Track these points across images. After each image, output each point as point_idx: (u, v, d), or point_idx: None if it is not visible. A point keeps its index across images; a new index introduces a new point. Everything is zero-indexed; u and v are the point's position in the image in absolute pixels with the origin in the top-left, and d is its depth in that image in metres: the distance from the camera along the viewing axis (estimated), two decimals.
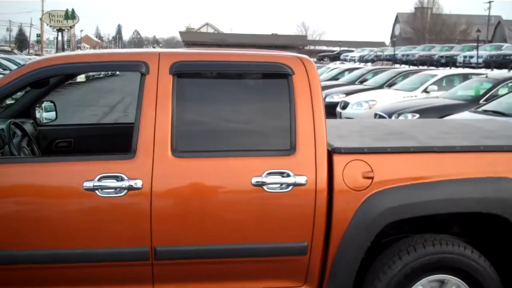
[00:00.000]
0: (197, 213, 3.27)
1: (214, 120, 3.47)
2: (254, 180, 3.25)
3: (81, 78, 30.70)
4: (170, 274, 3.34)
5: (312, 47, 70.45)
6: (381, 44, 73.22)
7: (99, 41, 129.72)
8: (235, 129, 3.47)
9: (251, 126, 3.48)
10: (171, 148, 3.26)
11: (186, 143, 3.32)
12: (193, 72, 3.48)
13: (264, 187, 3.26)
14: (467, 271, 3.42)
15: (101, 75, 43.19)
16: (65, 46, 56.66)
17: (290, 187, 3.27)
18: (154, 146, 3.25)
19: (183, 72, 3.39)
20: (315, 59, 42.26)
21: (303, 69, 3.42)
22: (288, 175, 3.27)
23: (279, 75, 3.42)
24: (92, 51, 4.18)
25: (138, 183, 3.21)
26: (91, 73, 35.59)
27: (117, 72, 49.38)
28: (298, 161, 3.30)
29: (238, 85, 3.65)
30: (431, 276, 3.44)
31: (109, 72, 45.53)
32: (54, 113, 4.88)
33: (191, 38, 68.09)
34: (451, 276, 3.44)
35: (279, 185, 3.27)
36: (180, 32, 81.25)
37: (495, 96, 11.26)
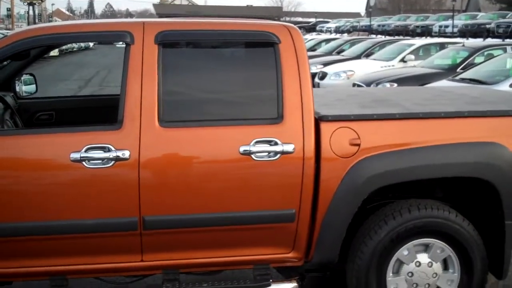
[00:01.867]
0: (185, 182, 3.27)
1: (201, 90, 3.46)
2: (242, 148, 3.26)
3: (54, 52, 30.19)
4: (159, 243, 3.35)
5: (287, 18, 70.02)
6: (357, 15, 73.13)
7: (71, 14, 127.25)
8: (222, 99, 3.46)
9: (238, 95, 3.47)
10: (158, 118, 3.24)
11: (173, 113, 3.31)
12: (179, 42, 3.45)
13: (252, 156, 3.27)
14: (451, 234, 3.49)
15: (75, 49, 42.52)
16: (36, 20, 55.51)
17: (278, 155, 3.28)
18: (141, 116, 3.23)
19: (169, 42, 3.35)
20: None
21: (290, 37, 3.40)
22: (276, 144, 3.28)
23: (265, 44, 3.40)
24: (76, 21, 4.11)
25: (126, 153, 3.19)
26: (64, 47, 35.02)
27: (91, 45, 48.75)
28: (285, 130, 3.31)
29: (224, 54, 3.64)
30: (416, 240, 3.50)
31: (83, 45, 44.89)
32: (34, 86, 4.81)
33: (165, 11, 67.09)
34: (435, 240, 3.51)
35: (267, 153, 3.28)
36: (154, 5, 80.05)
37: (472, 65, 11.39)
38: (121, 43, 3.43)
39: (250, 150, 3.26)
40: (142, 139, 3.21)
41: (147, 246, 3.34)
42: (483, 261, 3.55)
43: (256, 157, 3.27)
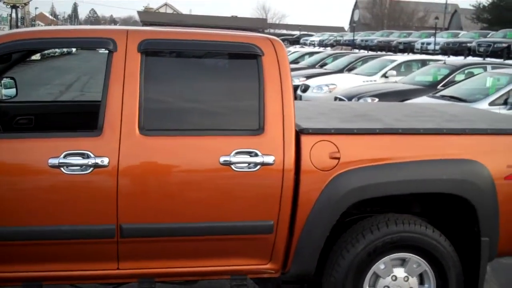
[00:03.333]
0: (164, 191, 3.26)
1: (182, 99, 3.46)
2: (222, 159, 3.26)
3: (35, 56, 29.99)
4: (136, 251, 3.33)
5: (272, 31, 70.35)
6: (340, 29, 73.77)
7: (54, 19, 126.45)
8: (204, 109, 3.46)
9: (220, 105, 3.48)
10: (138, 126, 3.23)
11: (154, 122, 3.30)
12: (162, 51, 3.45)
13: (232, 166, 3.27)
14: (428, 249, 3.51)
15: (57, 53, 42.27)
16: (19, 24, 55.07)
17: (258, 166, 3.29)
18: (121, 123, 3.21)
19: (152, 50, 3.35)
20: None
21: (273, 50, 3.42)
22: (256, 155, 3.29)
23: (249, 56, 3.42)
24: (59, 27, 4.10)
25: (105, 160, 3.18)
26: (46, 52, 34.79)
27: (73, 51, 48.44)
28: (266, 141, 3.32)
29: (207, 65, 3.65)
30: (393, 255, 3.52)
31: (65, 51, 44.63)
32: (14, 89, 4.77)
33: (149, 19, 67.06)
34: (412, 255, 3.54)
35: (247, 164, 3.28)
36: (138, 12, 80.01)
37: (452, 82, 11.53)
38: (104, 49, 3.42)
39: (230, 161, 3.26)
40: (122, 147, 3.20)
41: (124, 254, 3.31)
42: (458, 276, 3.58)
43: (236, 167, 3.27)
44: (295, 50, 26.77)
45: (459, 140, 3.56)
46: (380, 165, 3.41)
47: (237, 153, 3.28)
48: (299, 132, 3.38)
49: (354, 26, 47.11)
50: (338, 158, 3.37)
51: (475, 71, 12.28)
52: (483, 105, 9.03)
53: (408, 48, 30.14)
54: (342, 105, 5.45)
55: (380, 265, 3.52)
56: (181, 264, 3.40)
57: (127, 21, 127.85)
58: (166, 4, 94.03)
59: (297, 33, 59.66)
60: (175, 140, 3.30)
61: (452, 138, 3.56)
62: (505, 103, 9.19)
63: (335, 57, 20.55)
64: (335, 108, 4.66)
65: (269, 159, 3.29)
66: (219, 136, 3.33)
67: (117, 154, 3.19)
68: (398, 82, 13.22)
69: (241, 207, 3.33)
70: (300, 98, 14.02)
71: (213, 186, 3.30)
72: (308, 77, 15.79)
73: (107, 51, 3.33)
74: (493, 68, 12.37)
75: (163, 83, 3.43)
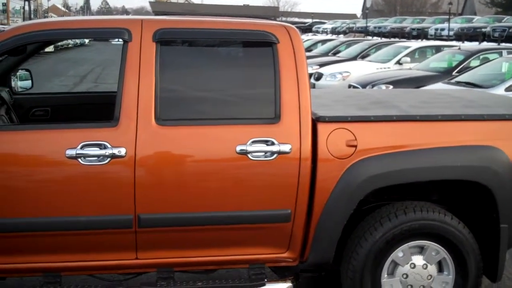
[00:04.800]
0: (181, 181, 3.26)
1: (198, 88, 3.45)
2: (238, 148, 3.25)
3: (49, 48, 30.10)
4: (154, 241, 3.34)
5: (284, 19, 70.09)
6: (353, 16, 73.28)
7: (66, 11, 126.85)
8: (219, 98, 3.45)
9: (236, 94, 3.46)
10: (155, 116, 3.23)
11: (170, 111, 3.29)
12: (177, 40, 3.44)
13: (249, 155, 3.26)
14: (446, 237, 3.49)
15: (70, 45, 42.42)
16: (32, 16, 55.32)
17: (275, 155, 3.28)
18: (138, 114, 3.21)
19: (167, 40, 3.34)
20: None
21: (288, 37, 3.40)
22: (273, 143, 3.28)
23: (264, 43, 3.39)
24: (73, 17, 4.10)
25: (122, 151, 3.18)
26: (59, 43, 34.91)
27: (87, 42, 48.61)
28: (282, 130, 3.30)
29: (222, 53, 3.63)
30: (411, 242, 3.50)
31: (78, 42, 44.76)
32: (29, 81, 4.80)
33: (161, 8, 67.08)
34: (431, 242, 3.51)
35: (263, 153, 3.27)
36: (150, 2, 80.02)
37: (468, 68, 11.42)
38: (117, 40, 3.41)
39: (247, 150, 3.25)
40: (139, 137, 3.20)
41: (142, 244, 3.32)
42: (477, 264, 3.55)
43: (252, 156, 3.26)
44: (308, 38, 26.64)
45: (477, 126, 3.52)
46: (397, 153, 3.38)
47: (254, 142, 3.27)
48: (316, 120, 3.36)
49: (367, 12, 46.73)
50: (355, 146, 3.35)
51: (491, 56, 12.15)
52: (500, 90, 8.94)
53: (421, 34, 29.87)
54: (358, 92, 5.43)
55: (398, 253, 3.50)
56: (199, 253, 3.41)
57: (139, 11, 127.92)
58: None
59: (309, 20, 59.33)
60: (191, 129, 3.29)
61: (470, 124, 3.52)
62: None
63: (348, 44, 20.43)
64: (351, 95, 4.64)
65: (286, 147, 3.28)
66: (235, 125, 3.31)
67: (134, 144, 3.19)
68: (412, 69, 13.12)
69: (258, 196, 3.33)
70: (314, 86, 13.96)
71: (230, 176, 3.29)
72: (321, 65, 15.71)
73: (121, 42, 3.32)
74: (508, 53, 12.24)
75: (178, 72, 3.42)
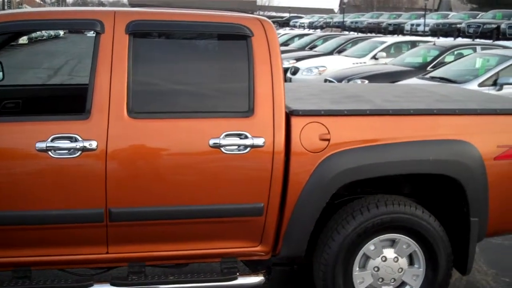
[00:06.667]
0: (153, 174, 3.23)
1: (171, 81, 3.42)
2: (211, 141, 3.23)
3: (23, 40, 29.69)
4: (125, 235, 3.31)
5: (261, 13, 70.02)
6: (330, 11, 73.48)
7: (41, 2, 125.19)
8: (193, 90, 3.43)
9: (209, 87, 3.45)
10: (127, 109, 3.19)
11: (143, 104, 3.26)
12: (150, 32, 3.41)
13: (222, 149, 3.25)
14: (418, 230, 3.52)
15: (45, 37, 41.88)
16: (5, 7, 54.40)
17: (248, 148, 3.27)
18: (110, 106, 3.18)
19: (140, 32, 3.30)
20: None
21: (263, 31, 3.38)
22: (246, 137, 3.27)
23: (238, 36, 3.38)
24: (46, 8, 4.03)
25: (93, 144, 3.14)
26: (33, 35, 34.44)
27: (61, 34, 48.02)
28: (256, 123, 3.29)
29: (196, 46, 3.61)
30: (382, 236, 3.53)
31: (53, 34, 44.21)
32: (0, 73, 4.70)
33: (137, 1, 66.49)
34: (402, 236, 3.54)
35: (236, 146, 3.26)
36: None
37: (442, 63, 11.53)
38: (91, 32, 3.37)
39: (220, 143, 3.24)
40: (110, 130, 3.16)
41: (113, 238, 3.29)
42: (448, 256, 3.59)
43: (225, 150, 3.25)
44: (285, 32, 26.68)
45: (450, 121, 3.55)
46: (370, 147, 3.40)
47: (227, 135, 3.25)
48: (289, 114, 3.36)
49: (344, 8, 46.99)
50: (328, 140, 3.35)
51: (465, 52, 12.27)
52: (473, 86, 9.04)
53: (397, 29, 30.11)
54: (333, 86, 5.43)
55: (370, 246, 3.52)
56: (171, 247, 3.39)
57: (115, 4, 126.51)
58: None
59: (286, 15, 59.34)
60: (164, 122, 3.27)
61: (442, 118, 3.55)
62: (494, 84, 9.21)
63: (325, 39, 20.50)
64: (326, 89, 4.65)
65: (259, 141, 3.27)
66: (209, 118, 3.30)
67: (105, 137, 3.16)
68: (387, 64, 13.21)
69: (231, 190, 3.32)
70: (290, 80, 13.98)
71: (203, 169, 3.28)
72: (298, 59, 15.74)
73: (94, 33, 3.28)
74: (482, 49, 12.38)
75: (151, 65, 3.39)
